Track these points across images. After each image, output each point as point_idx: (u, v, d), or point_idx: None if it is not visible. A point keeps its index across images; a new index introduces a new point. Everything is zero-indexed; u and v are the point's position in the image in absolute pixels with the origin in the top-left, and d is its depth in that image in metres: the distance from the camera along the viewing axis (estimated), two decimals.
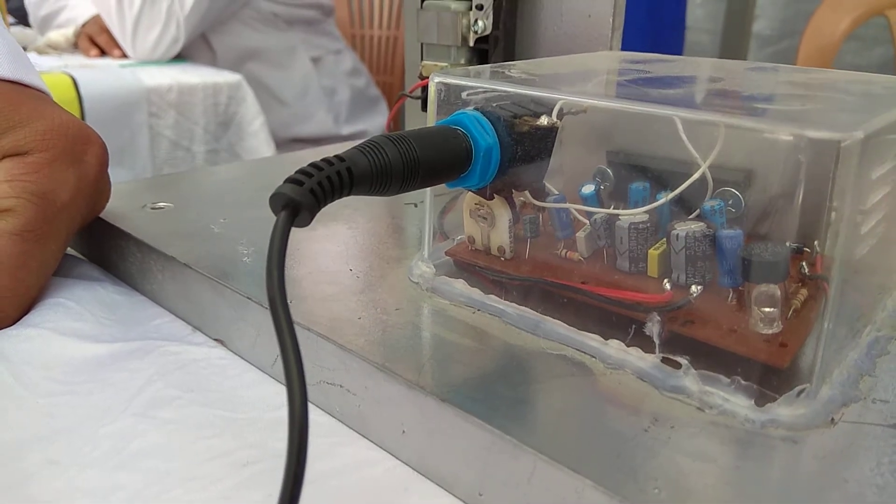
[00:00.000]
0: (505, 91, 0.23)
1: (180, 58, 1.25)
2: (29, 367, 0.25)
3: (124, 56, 1.25)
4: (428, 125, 0.24)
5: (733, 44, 1.78)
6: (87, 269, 0.33)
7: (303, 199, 0.18)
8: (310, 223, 0.19)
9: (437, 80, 0.24)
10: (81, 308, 0.28)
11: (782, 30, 1.65)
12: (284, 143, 1.32)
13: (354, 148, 0.20)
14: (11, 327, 0.27)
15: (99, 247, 0.33)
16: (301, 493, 0.15)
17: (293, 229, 0.18)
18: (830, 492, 0.17)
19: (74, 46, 1.32)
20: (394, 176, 0.20)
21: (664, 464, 0.17)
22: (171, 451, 0.21)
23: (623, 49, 0.36)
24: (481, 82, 0.24)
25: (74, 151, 0.29)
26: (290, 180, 0.18)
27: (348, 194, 0.19)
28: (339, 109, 1.38)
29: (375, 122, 1.41)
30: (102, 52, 1.28)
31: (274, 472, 0.14)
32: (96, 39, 1.29)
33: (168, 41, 1.20)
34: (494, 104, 0.24)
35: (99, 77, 1.02)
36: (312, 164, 0.19)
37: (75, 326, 0.27)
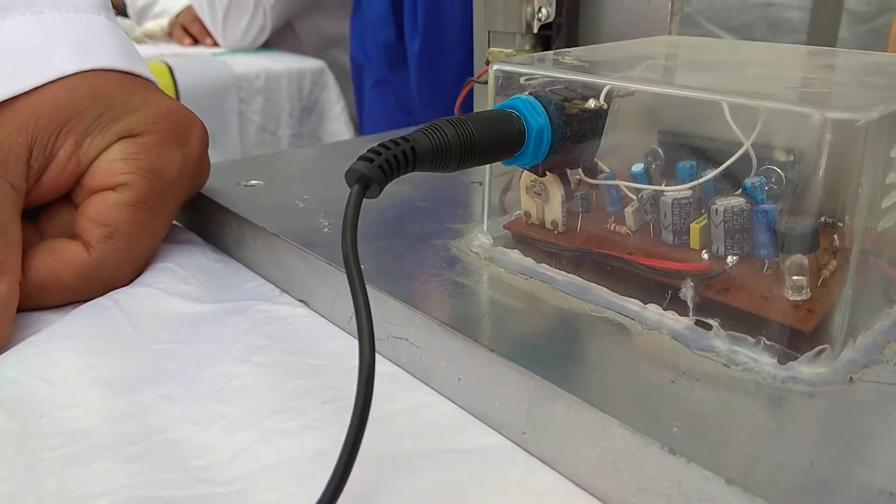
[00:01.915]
0: (556, 77, 0.26)
1: (268, 45, 1.31)
2: (144, 320, 0.29)
3: (216, 44, 1.32)
4: (488, 108, 0.27)
5: (824, 21, 1.71)
6: (190, 237, 0.37)
7: (373, 174, 0.21)
8: (379, 195, 0.22)
9: (495, 67, 0.27)
10: (187, 273, 0.32)
11: (879, 5, 1.56)
12: None
13: (418, 129, 0.22)
14: (129, 286, 0.31)
15: (200, 219, 0.38)
16: (368, 419, 0.18)
17: (365, 201, 0.21)
18: (838, 438, 0.18)
19: (169, 35, 1.40)
20: (452, 154, 0.23)
21: (685, 408, 0.19)
22: (264, 389, 0.24)
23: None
24: (534, 69, 0.26)
25: (179, 134, 0.33)
26: (362, 158, 0.21)
27: (413, 170, 0.22)
28: None
29: None
30: (195, 41, 1.35)
31: (349, 409, 0.18)
32: (189, 28, 1.36)
33: (256, 29, 1.26)
34: (548, 89, 0.26)
35: (193, 65, 1.09)
36: (381, 144, 0.22)
37: (182, 288, 0.31)
